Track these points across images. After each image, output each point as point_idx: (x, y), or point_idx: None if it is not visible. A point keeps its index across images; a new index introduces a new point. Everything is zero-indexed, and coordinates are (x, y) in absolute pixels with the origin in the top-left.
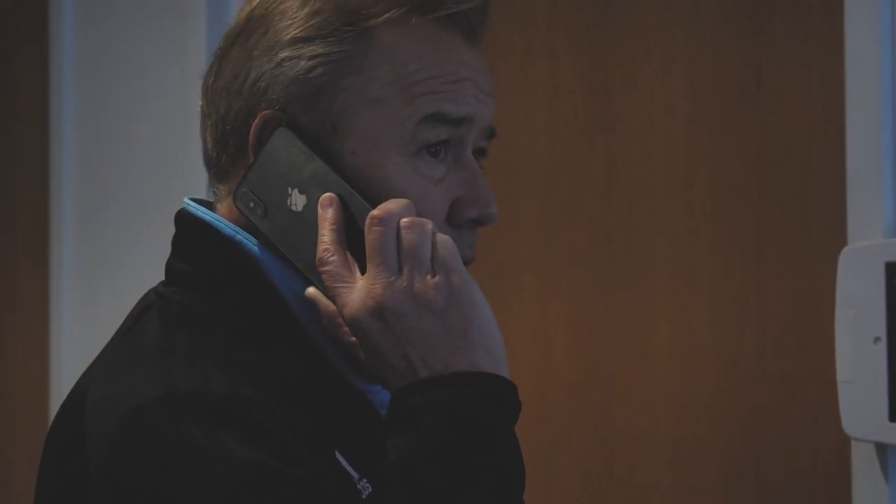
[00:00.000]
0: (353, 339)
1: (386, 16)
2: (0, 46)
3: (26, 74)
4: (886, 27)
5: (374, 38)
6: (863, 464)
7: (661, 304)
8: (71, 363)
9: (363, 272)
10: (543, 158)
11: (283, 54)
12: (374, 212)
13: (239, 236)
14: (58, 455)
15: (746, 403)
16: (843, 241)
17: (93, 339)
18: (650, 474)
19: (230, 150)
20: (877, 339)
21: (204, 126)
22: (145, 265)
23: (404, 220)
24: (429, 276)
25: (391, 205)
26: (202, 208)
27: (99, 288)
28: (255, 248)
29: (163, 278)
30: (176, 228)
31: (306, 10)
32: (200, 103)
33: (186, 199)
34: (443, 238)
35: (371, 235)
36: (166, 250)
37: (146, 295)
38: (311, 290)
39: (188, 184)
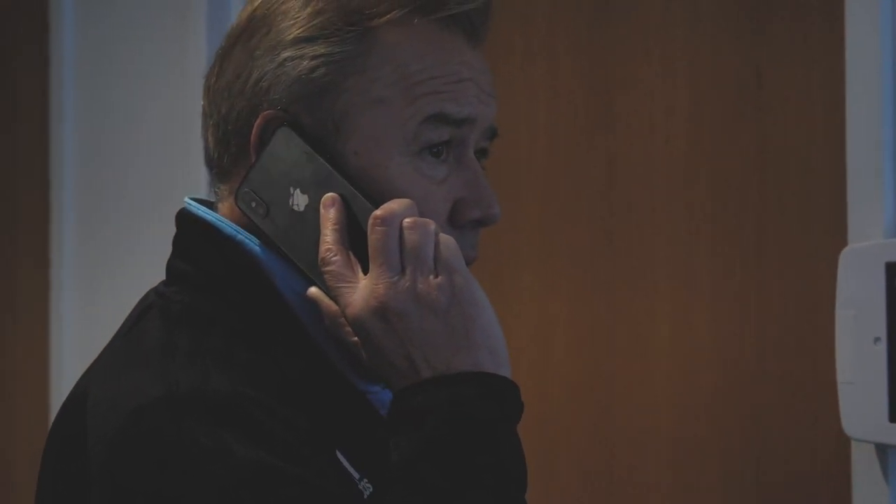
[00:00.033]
0: (355, 339)
1: (388, 16)
2: (0, 46)
3: (26, 74)
4: (887, 27)
5: (376, 39)
6: (863, 464)
7: (661, 304)
8: (71, 363)
9: (365, 272)
10: (543, 158)
11: (286, 54)
12: (377, 212)
13: (240, 236)
14: (58, 455)
15: (746, 403)
16: (843, 242)
17: (93, 340)
18: (650, 474)
19: (232, 150)
20: (877, 340)
21: (205, 126)
22: (145, 265)
23: (407, 220)
24: (431, 277)
25: (394, 205)
26: (203, 208)
27: (99, 288)
28: (257, 248)
29: (163, 278)
30: (177, 228)
31: (309, 9)
32: (202, 103)
33: (187, 199)
34: (445, 238)
35: (374, 235)
36: (166, 250)
37: (147, 295)
38: (312, 289)
39: (188, 184)
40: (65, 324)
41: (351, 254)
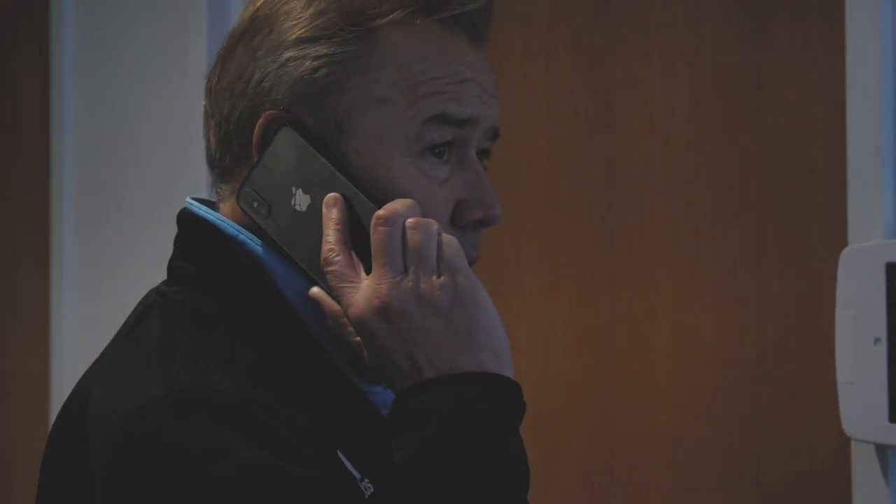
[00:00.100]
0: (358, 339)
1: (391, 16)
2: (0, 46)
3: (27, 74)
4: (887, 27)
5: (378, 39)
6: (863, 465)
7: (661, 304)
8: (71, 363)
9: (368, 272)
10: (543, 158)
11: (288, 54)
12: (380, 212)
13: (242, 236)
14: (60, 455)
15: (746, 404)
16: (843, 242)
17: (93, 340)
18: (650, 474)
19: (234, 150)
20: (877, 340)
21: (207, 126)
22: (146, 265)
23: (410, 220)
24: (434, 277)
25: (396, 205)
26: (205, 208)
27: (99, 288)
28: (259, 248)
29: (163, 278)
30: (178, 228)
31: (311, 10)
32: (203, 103)
33: (189, 199)
34: (448, 238)
35: (376, 235)
36: (167, 250)
37: (148, 294)
38: (315, 289)
39: (189, 184)
40: (65, 324)
41: (353, 254)
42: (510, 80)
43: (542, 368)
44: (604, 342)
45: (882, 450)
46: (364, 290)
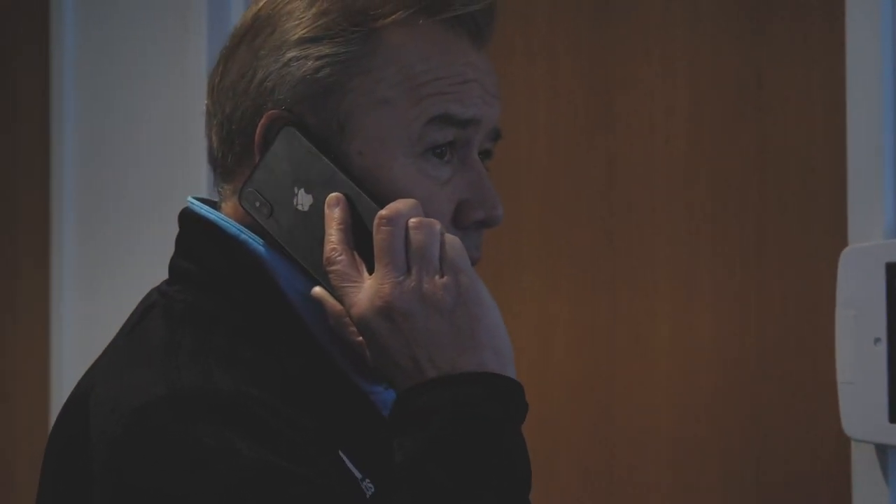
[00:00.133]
0: (360, 338)
1: (393, 17)
2: (0, 46)
3: (27, 74)
4: (887, 27)
5: (381, 39)
6: (863, 465)
7: (661, 304)
8: (71, 363)
9: (370, 272)
10: (543, 158)
11: (291, 54)
12: (383, 212)
13: (244, 235)
14: (61, 455)
15: (746, 404)
16: (843, 242)
17: (93, 340)
18: (650, 474)
19: (236, 149)
20: (877, 340)
21: (209, 125)
22: (146, 265)
23: (413, 220)
24: (437, 277)
25: (399, 205)
26: (206, 207)
27: (99, 288)
28: (260, 248)
29: (163, 278)
30: (180, 227)
31: (313, 10)
32: (206, 102)
33: (190, 198)
34: (451, 238)
35: (379, 235)
36: (167, 250)
37: (149, 294)
38: (317, 289)
39: (189, 184)
40: (65, 324)
41: (356, 254)
42: (510, 80)
43: (542, 368)
44: (604, 342)
45: (882, 450)
46: (367, 289)
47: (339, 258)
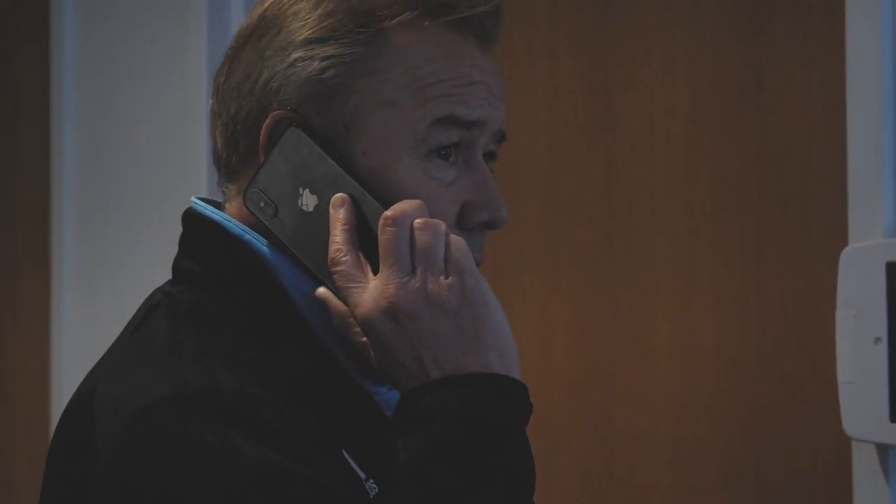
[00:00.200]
0: (364, 339)
1: (399, 18)
2: (0, 46)
3: (27, 74)
4: (887, 27)
5: (387, 41)
6: (863, 464)
7: (661, 304)
8: (72, 363)
9: (375, 273)
10: (544, 158)
11: (296, 55)
12: (388, 212)
13: (247, 236)
14: (64, 456)
15: (747, 403)
16: (843, 242)
17: (94, 340)
18: (650, 474)
19: (240, 149)
20: (877, 340)
21: (214, 125)
22: (146, 265)
23: (418, 220)
24: (442, 277)
25: (404, 205)
26: (210, 207)
27: (99, 288)
28: (265, 248)
29: (163, 278)
30: (183, 227)
31: (319, 11)
32: (210, 102)
33: (194, 199)
34: (456, 239)
35: (384, 236)
36: (167, 250)
37: (153, 294)
38: (321, 290)
39: (189, 184)
40: (65, 324)
41: (360, 254)
42: (510, 80)
43: (542, 368)
44: (604, 342)
45: (883, 449)
46: (371, 290)
47: (344, 258)
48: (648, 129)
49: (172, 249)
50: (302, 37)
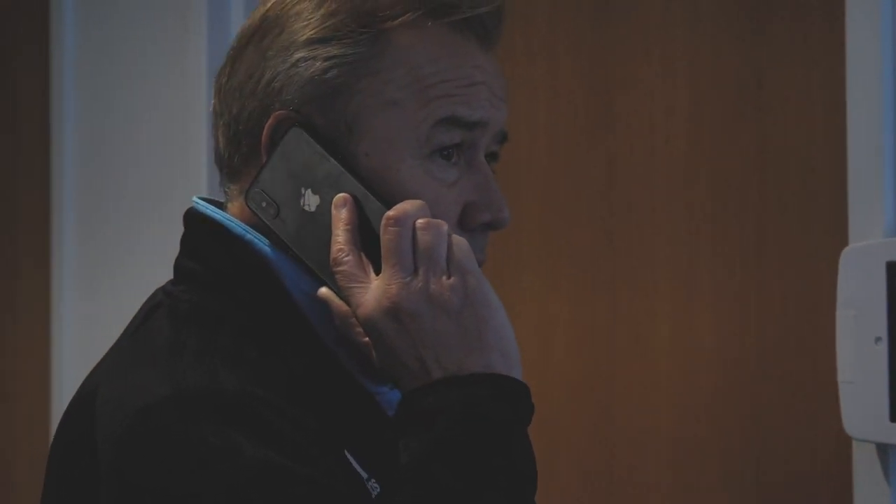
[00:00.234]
0: (366, 339)
1: (402, 19)
2: (0, 46)
3: (27, 74)
4: (887, 27)
5: (389, 41)
6: (864, 464)
7: (661, 304)
8: (71, 363)
9: (377, 273)
10: (544, 158)
11: (299, 55)
12: (390, 212)
13: (249, 235)
14: (66, 456)
15: (747, 403)
16: (843, 241)
17: (93, 340)
18: (650, 474)
19: (243, 149)
20: (878, 339)
21: (216, 125)
22: (146, 265)
23: (420, 220)
24: (444, 277)
25: (407, 205)
26: (212, 207)
27: (100, 288)
28: (266, 248)
29: (163, 278)
30: (185, 227)
31: (322, 11)
32: (212, 102)
33: (195, 198)
34: (458, 239)
35: (387, 236)
36: (167, 250)
37: (154, 294)
38: (323, 290)
39: (189, 184)
40: (65, 324)
41: (363, 254)
42: (511, 80)
43: (542, 368)
44: (604, 342)
45: (883, 449)
46: (374, 290)
47: (346, 259)
48: (648, 129)
49: (172, 249)
50: (304, 37)
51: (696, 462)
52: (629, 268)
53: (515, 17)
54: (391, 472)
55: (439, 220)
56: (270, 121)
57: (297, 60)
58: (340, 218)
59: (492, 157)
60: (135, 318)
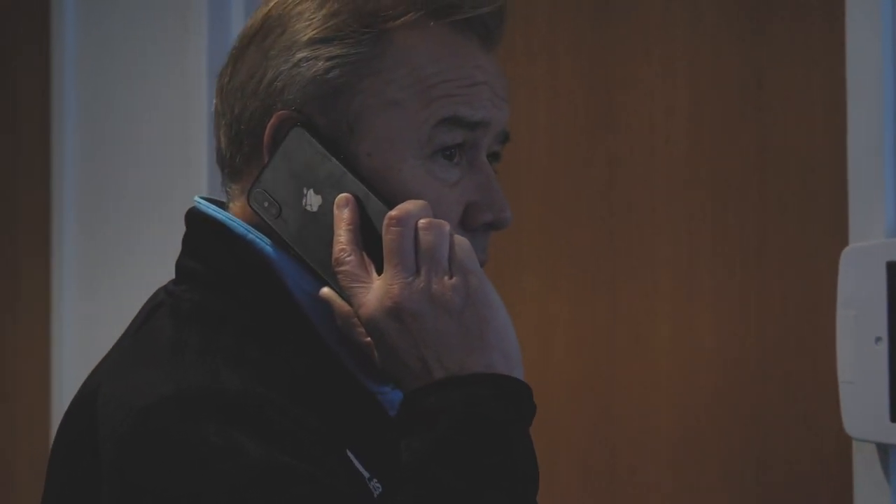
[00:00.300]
0: (367, 339)
1: (403, 19)
2: (0, 46)
3: (27, 74)
4: (888, 27)
5: (391, 41)
6: (864, 464)
7: (661, 304)
8: (72, 363)
9: (379, 273)
10: (544, 159)
11: (301, 55)
12: (392, 212)
13: (251, 235)
14: (67, 456)
15: (747, 403)
16: (844, 241)
17: (93, 340)
18: (651, 474)
19: (244, 149)
20: (878, 340)
21: (218, 125)
22: (146, 265)
23: (422, 220)
24: (446, 277)
25: (409, 205)
26: (214, 206)
27: (100, 288)
28: (268, 248)
29: (164, 278)
30: (187, 227)
31: (324, 11)
32: (214, 102)
33: (197, 198)
34: (460, 240)
35: (389, 236)
36: (167, 250)
37: (156, 293)
38: (325, 290)
39: (189, 184)
40: (65, 324)
41: (364, 254)
42: (511, 80)
43: (542, 368)
44: (604, 342)
45: (883, 449)
46: (375, 290)
47: (348, 258)
48: (648, 129)
49: (173, 249)
50: (307, 37)
51: (696, 462)
52: (629, 268)
53: (515, 18)
54: (393, 471)
55: (441, 220)
56: (272, 121)
57: (300, 60)
58: (342, 218)
59: (493, 157)
60: (136, 317)
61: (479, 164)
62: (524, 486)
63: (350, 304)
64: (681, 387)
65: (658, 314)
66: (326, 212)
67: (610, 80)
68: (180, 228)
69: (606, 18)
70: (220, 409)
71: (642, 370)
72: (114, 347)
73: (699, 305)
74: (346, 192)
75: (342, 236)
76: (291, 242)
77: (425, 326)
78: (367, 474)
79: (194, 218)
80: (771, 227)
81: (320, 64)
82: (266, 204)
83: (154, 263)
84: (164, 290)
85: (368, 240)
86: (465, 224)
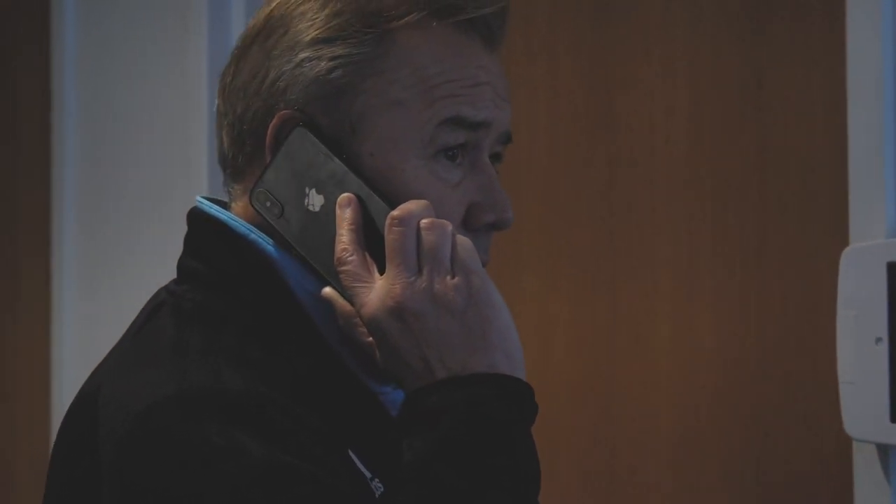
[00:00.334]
0: (369, 339)
1: (407, 19)
2: (0, 46)
3: (27, 74)
4: (888, 27)
5: (394, 41)
6: (864, 465)
7: (661, 304)
8: (72, 363)
9: (381, 273)
10: (544, 158)
11: (303, 55)
12: (395, 212)
13: (253, 235)
14: (68, 456)
15: (747, 404)
16: (844, 241)
17: (93, 340)
18: (651, 474)
19: (247, 149)
20: (878, 340)
21: (220, 125)
22: (146, 265)
23: (424, 220)
24: (448, 277)
25: (411, 205)
26: (216, 206)
27: (100, 288)
28: (270, 248)
29: (164, 278)
30: (189, 226)
31: (327, 11)
32: (217, 102)
33: (199, 198)
34: (462, 240)
35: (391, 235)
36: (167, 250)
37: (157, 293)
38: (327, 289)
39: (190, 184)
40: (66, 324)
41: (367, 254)
42: (511, 80)
43: (542, 368)
44: (604, 342)
45: (883, 449)
46: (378, 290)
47: (350, 258)
48: (648, 129)
49: (173, 249)
50: (309, 37)
51: (696, 462)
52: (629, 268)
53: (516, 18)
54: (395, 471)
55: (444, 220)
56: (275, 120)
57: (302, 60)
58: (344, 218)
59: (495, 157)
60: (138, 317)
61: (482, 164)
62: (526, 486)
63: (352, 303)
64: (681, 387)
65: (658, 314)
66: (329, 212)
67: (610, 80)
68: (180, 228)
69: (606, 18)
70: (222, 409)
71: (642, 370)
72: (115, 347)
73: (699, 305)
74: (349, 191)
75: (344, 236)
76: (293, 242)
77: (427, 326)
78: (368, 474)
79: (196, 218)
80: (771, 227)
81: (323, 64)
82: (268, 204)
83: (154, 263)
84: (166, 289)
85: (371, 240)
86: (467, 224)
